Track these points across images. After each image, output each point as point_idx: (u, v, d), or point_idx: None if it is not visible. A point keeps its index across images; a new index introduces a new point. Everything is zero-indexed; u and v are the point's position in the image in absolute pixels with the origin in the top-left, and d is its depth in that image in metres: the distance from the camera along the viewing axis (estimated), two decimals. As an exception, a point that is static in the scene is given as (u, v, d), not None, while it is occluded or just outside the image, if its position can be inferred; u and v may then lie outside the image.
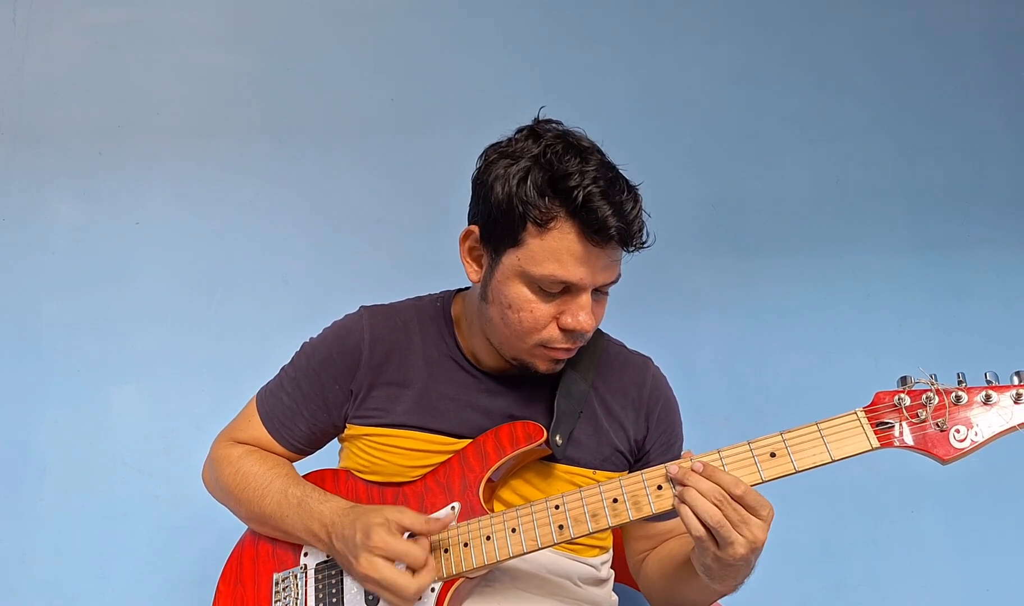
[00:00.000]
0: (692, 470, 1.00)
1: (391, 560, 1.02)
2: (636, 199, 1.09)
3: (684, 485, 1.00)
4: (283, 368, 1.30)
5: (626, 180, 1.10)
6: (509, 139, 1.14)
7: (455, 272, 1.21)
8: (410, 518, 1.05)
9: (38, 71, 2.19)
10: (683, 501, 0.99)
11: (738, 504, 0.97)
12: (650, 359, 1.33)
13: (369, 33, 2.36)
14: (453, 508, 1.13)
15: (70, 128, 2.16)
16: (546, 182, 1.06)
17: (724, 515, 0.96)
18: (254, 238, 2.17)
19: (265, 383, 1.31)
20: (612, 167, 1.10)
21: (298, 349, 1.29)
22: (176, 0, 2.28)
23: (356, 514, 1.08)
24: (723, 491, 0.97)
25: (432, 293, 1.33)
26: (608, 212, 1.04)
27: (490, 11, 2.43)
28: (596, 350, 1.27)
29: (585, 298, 1.09)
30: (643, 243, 1.11)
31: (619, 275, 1.13)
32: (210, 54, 2.27)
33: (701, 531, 0.97)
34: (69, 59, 2.21)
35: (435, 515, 1.11)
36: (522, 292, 1.10)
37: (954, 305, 2.39)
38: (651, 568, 1.26)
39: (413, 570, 1.03)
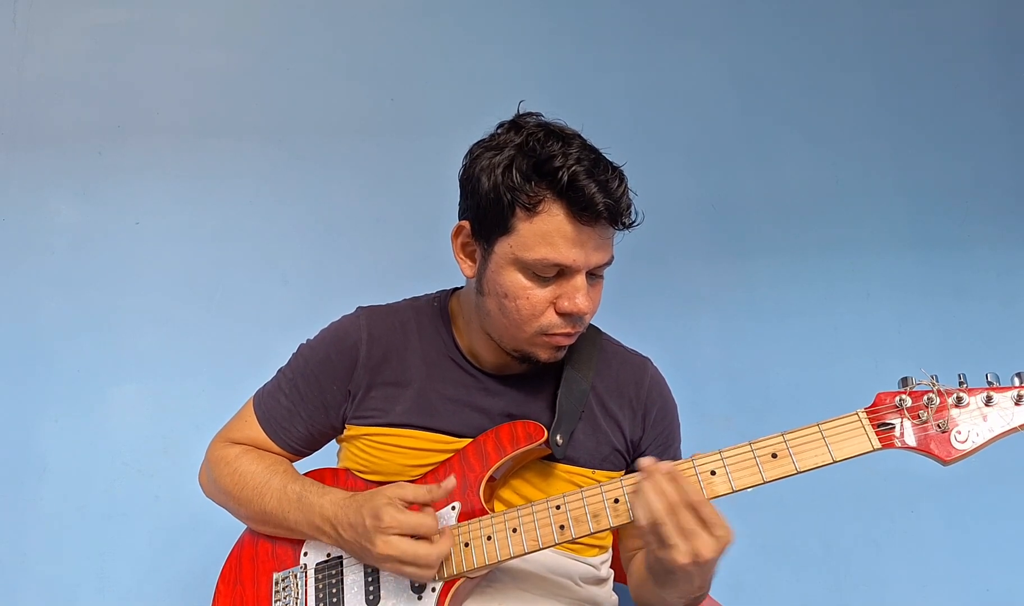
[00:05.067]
0: (660, 468, 0.99)
1: (406, 536, 1.04)
2: (621, 177, 1.10)
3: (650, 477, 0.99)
4: (280, 370, 1.30)
5: (609, 160, 1.11)
6: (492, 134, 1.15)
7: (455, 272, 1.21)
8: (411, 491, 1.07)
9: (38, 71, 2.19)
10: (639, 490, 0.99)
11: (690, 513, 0.96)
12: (649, 360, 1.33)
13: (368, 33, 2.36)
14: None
15: (70, 128, 2.16)
16: (531, 167, 1.07)
17: (674, 519, 0.95)
18: (254, 238, 2.17)
19: (262, 385, 1.31)
20: (594, 149, 1.11)
21: (295, 351, 1.29)
22: (176, 0, 2.28)
23: (359, 502, 1.09)
24: (681, 495, 0.96)
25: (428, 293, 1.33)
26: (594, 189, 1.05)
27: (489, 12, 2.43)
28: (594, 349, 1.27)
29: (580, 280, 1.10)
30: (632, 221, 1.12)
31: (612, 257, 1.13)
32: (210, 54, 2.27)
33: (643, 522, 0.97)
34: (69, 59, 2.21)
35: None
36: (517, 279, 1.11)
37: (954, 305, 2.40)
38: (635, 566, 1.26)
39: (428, 540, 1.04)
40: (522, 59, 2.41)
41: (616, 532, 1.33)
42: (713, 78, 2.49)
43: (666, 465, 1.00)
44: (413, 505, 1.07)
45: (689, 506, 0.96)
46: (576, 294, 1.10)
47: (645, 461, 1.01)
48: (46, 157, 2.13)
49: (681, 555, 0.95)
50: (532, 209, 1.07)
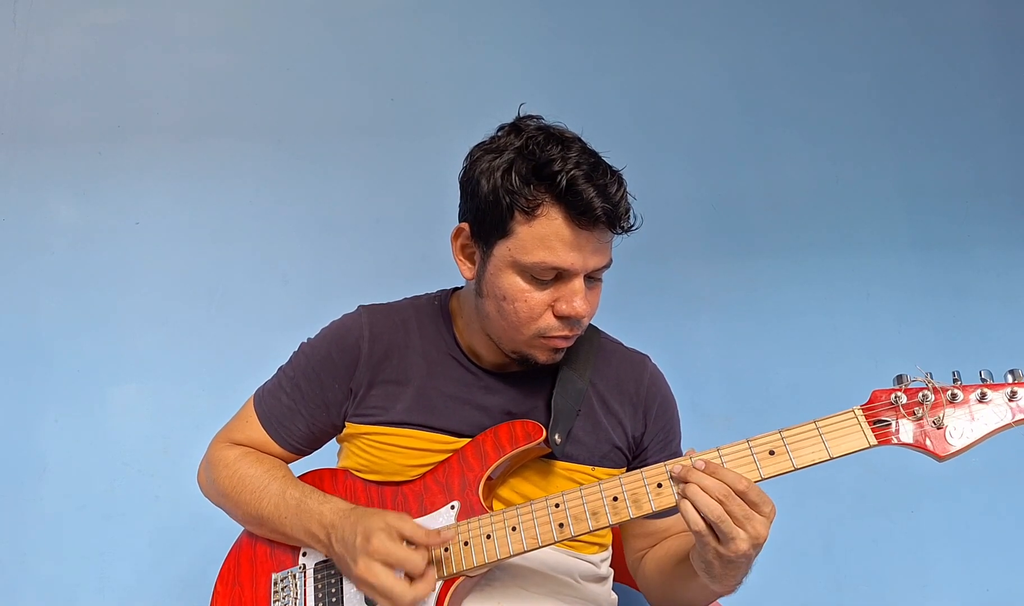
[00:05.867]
0: (695, 467, 1.00)
1: (390, 566, 1.02)
2: (620, 181, 1.11)
3: (687, 482, 1.00)
4: (281, 368, 1.30)
5: (609, 165, 1.12)
6: (492, 137, 1.16)
7: (455, 272, 1.22)
8: (411, 528, 1.04)
9: (38, 71, 2.19)
10: (684, 496, 0.99)
11: (741, 499, 0.97)
12: (647, 357, 1.34)
13: (368, 33, 2.36)
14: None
15: (70, 128, 2.17)
16: (530, 170, 1.08)
17: (727, 510, 0.96)
18: (254, 238, 2.17)
19: (262, 384, 1.31)
20: (594, 153, 1.12)
21: (296, 349, 1.29)
22: (176, 0, 2.29)
23: (357, 517, 1.08)
24: (727, 487, 0.97)
25: (429, 292, 1.33)
26: (593, 194, 1.06)
27: (489, 12, 2.44)
28: (592, 347, 1.28)
29: (578, 283, 1.10)
30: (631, 225, 1.12)
31: (611, 260, 1.14)
32: (210, 54, 2.27)
33: (701, 526, 0.97)
34: (69, 59, 2.21)
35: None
36: (515, 282, 1.11)
37: (954, 305, 2.39)
38: (649, 567, 1.26)
39: (411, 578, 1.02)
40: (522, 59, 2.41)
41: (619, 533, 1.33)
42: (713, 78, 2.49)
43: (699, 461, 1.01)
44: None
45: (738, 493, 0.97)
46: (574, 297, 1.10)
47: (675, 468, 1.02)
48: (46, 157, 2.14)
49: (743, 542, 0.97)
50: (531, 212, 1.08)
